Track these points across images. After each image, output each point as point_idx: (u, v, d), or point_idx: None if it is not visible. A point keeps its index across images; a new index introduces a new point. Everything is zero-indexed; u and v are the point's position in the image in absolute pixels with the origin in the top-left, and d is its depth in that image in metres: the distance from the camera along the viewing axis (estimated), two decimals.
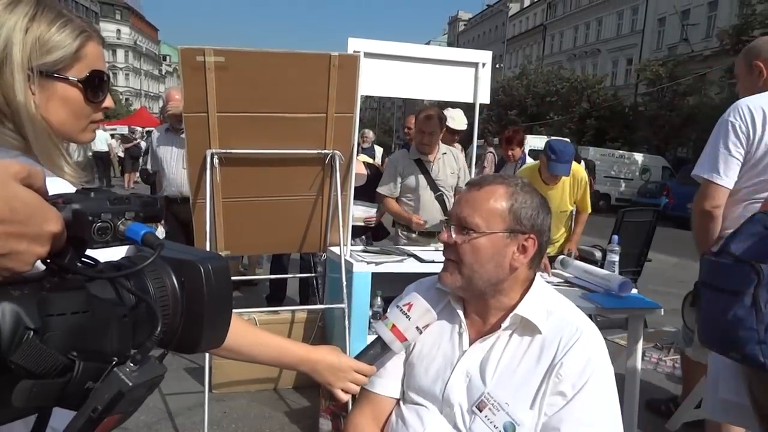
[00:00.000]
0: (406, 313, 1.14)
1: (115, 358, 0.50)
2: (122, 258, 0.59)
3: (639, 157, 20.07)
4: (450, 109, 4.52)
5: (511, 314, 1.17)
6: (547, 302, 1.20)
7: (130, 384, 0.49)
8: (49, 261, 0.49)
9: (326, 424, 2.71)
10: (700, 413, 3.07)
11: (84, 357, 0.47)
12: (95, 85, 0.90)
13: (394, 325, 1.14)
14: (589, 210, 3.92)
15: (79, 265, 0.52)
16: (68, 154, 0.89)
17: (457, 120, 4.47)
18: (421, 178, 3.52)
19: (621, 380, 2.84)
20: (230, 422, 2.90)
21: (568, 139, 3.94)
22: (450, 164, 3.61)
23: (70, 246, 0.50)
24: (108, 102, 0.94)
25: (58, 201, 0.50)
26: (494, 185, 1.19)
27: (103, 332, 0.50)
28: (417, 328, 1.15)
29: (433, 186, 3.53)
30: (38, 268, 0.50)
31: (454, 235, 1.18)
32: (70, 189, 0.83)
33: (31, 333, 0.44)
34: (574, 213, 3.95)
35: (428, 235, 3.62)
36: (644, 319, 4.69)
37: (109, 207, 0.52)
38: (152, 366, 0.52)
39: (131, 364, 0.50)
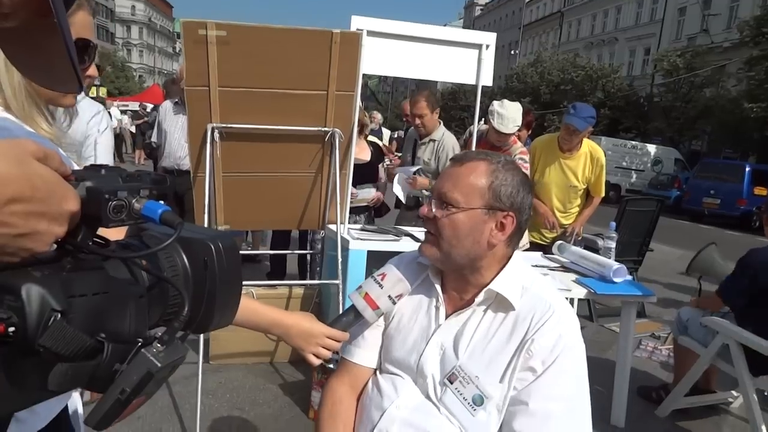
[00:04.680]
0: (379, 283, 1.17)
1: (140, 339, 0.49)
2: (130, 237, 0.58)
3: (651, 148, 19.88)
4: (505, 102, 3.64)
5: (485, 289, 1.19)
6: (522, 279, 1.22)
7: (159, 365, 0.48)
8: (63, 241, 0.48)
9: (318, 397, 2.76)
10: (690, 401, 3.10)
11: (111, 339, 0.46)
12: (80, 51, 0.92)
13: (367, 294, 1.17)
14: (602, 194, 3.94)
15: (92, 244, 0.51)
16: (50, 114, 0.92)
17: (505, 120, 3.51)
18: (410, 156, 3.89)
19: (615, 367, 2.88)
20: (225, 392, 2.97)
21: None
22: (433, 150, 3.71)
23: (83, 225, 0.49)
24: (91, 71, 0.97)
25: (70, 178, 0.48)
26: (476, 161, 1.19)
27: (121, 313, 0.49)
28: (389, 297, 1.17)
29: (417, 163, 3.81)
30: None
31: (434, 209, 1.19)
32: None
33: (58, 315, 0.42)
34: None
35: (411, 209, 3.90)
36: (643, 307, 4.72)
37: (123, 184, 0.51)
38: (176, 347, 0.51)
39: (158, 345, 0.49)
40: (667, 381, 3.44)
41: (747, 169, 14.56)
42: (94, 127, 2.42)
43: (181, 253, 0.58)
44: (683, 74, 22.47)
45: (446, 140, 3.71)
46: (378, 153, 4.28)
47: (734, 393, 3.25)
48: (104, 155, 2.51)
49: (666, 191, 16.28)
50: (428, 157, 3.70)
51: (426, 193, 3.70)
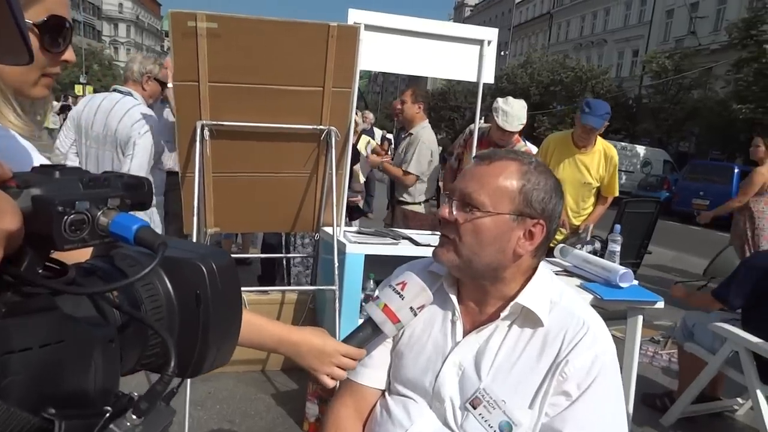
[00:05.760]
0: (399, 293, 1.03)
1: (109, 408, 0.36)
2: (97, 257, 0.44)
3: (641, 149, 19.98)
4: (510, 99, 3.57)
5: (511, 303, 1.07)
6: (550, 292, 1.10)
7: None
8: (0, 271, 0.35)
9: (313, 409, 2.64)
10: (695, 408, 3.02)
11: (64, 414, 0.33)
12: (54, 31, 0.79)
13: (386, 305, 1.02)
14: (616, 193, 3.92)
15: (42, 272, 0.37)
16: (18, 105, 0.79)
17: (510, 118, 3.47)
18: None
19: None
20: (214, 403, 2.83)
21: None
22: (409, 142, 3.82)
23: (28, 248, 0.35)
24: (68, 55, 0.84)
25: (10, 183, 0.35)
26: (506, 161, 1.07)
27: (83, 368, 0.36)
28: (411, 308, 1.03)
29: (395, 159, 4.02)
30: None
31: (455, 212, 1.07)
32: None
33: None
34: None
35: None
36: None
37: (84, 192, 0.38)
38: (158, 413, 0.38)
39: (133, 416, 0.36)
40: (670, 387, 3.37)
41: (735, 170, 14.63)
42: (136, 130, 2.74)
43: (163, 279, 0.44)
44: (671, 76, 22.62)
45: (420, 133, 3.80)
46: (354, 153, 4.22)
47: (740, 400, 3.18)
48: (141, 155, 2.75)
49: (655, 193, 16.33)
50: (402, 149, 3.89)
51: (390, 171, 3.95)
